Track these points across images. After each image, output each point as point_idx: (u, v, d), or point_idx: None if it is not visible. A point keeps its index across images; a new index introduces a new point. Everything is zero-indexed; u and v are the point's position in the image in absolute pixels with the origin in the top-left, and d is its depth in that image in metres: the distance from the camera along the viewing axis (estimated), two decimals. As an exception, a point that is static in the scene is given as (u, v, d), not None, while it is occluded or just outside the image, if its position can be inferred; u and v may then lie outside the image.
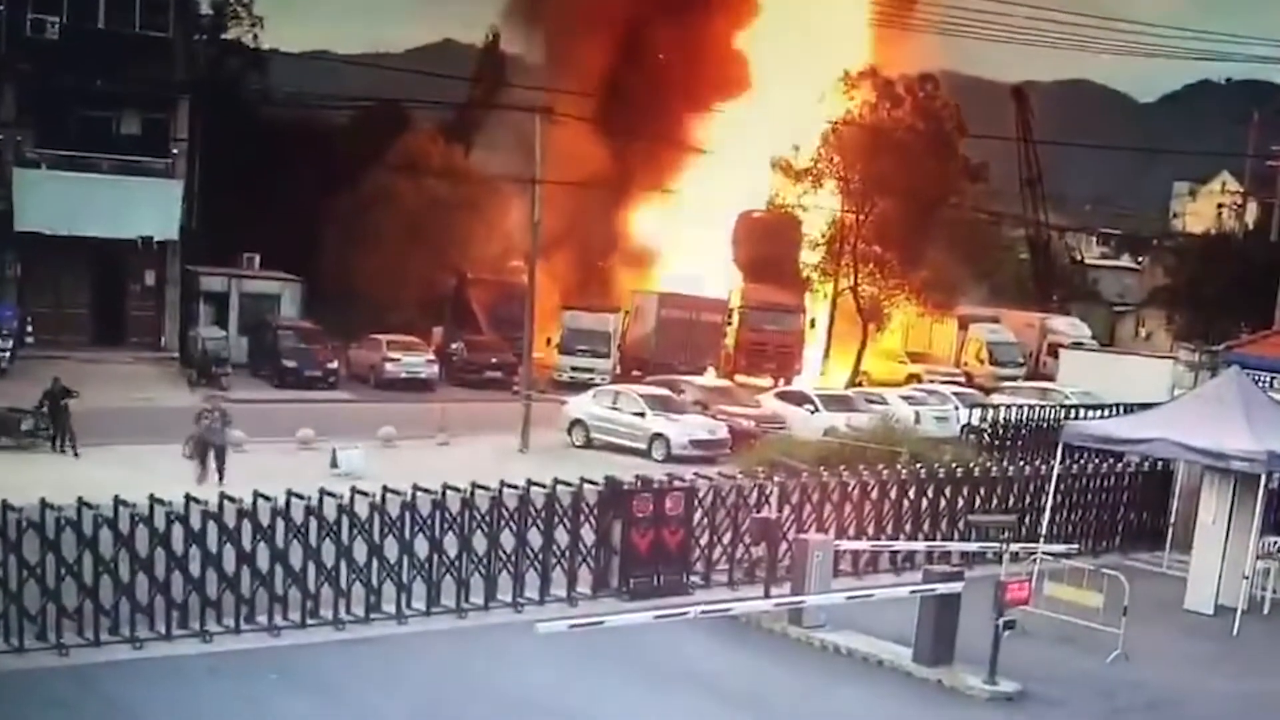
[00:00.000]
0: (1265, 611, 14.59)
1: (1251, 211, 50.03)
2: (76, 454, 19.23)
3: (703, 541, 14.03)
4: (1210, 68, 63.23)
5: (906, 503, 15.50)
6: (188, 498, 11.53)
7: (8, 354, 26.62)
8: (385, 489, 12.31)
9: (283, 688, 10.55)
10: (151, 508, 11.28)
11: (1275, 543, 15.03)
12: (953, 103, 36.71)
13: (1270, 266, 32.40)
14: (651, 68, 38.24)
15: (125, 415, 22.82)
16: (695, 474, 14.99)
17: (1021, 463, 18.20)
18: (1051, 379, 35.09)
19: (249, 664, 10.92)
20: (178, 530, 11.31)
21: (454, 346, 31.85)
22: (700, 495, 14.04)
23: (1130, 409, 20.55)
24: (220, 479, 16.91)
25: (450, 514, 12.49)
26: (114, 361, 28.78)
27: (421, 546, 12.38)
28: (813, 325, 36.59)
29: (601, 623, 10.58)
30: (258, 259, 33.57)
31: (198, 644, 11.20)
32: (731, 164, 36.56)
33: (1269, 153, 41.38)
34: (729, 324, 35.75)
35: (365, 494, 12.21)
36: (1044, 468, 16.89)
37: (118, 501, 11.25)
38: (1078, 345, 39.68)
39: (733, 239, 38.22)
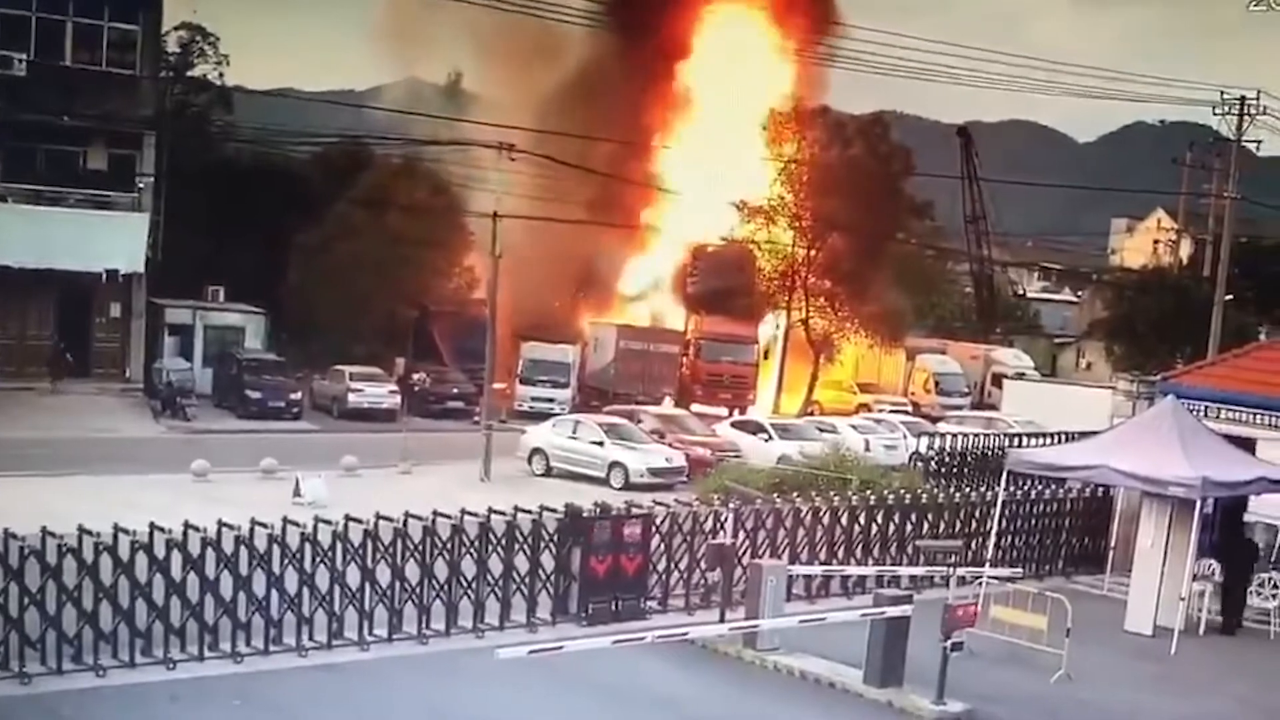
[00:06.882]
0: (1201, 632, 15.14)
1: (1186, 247, 51.89)
2: None
3: (660, 567, 14.28)
4: (1145, 109, 65.79)
5: (857, 529, 15.89)
6: (151, 526, 11.63)
7: None
8: (348, 517, 12.45)
9: (245, 714, 10.65)
10: (116, 536, 11.34)
11: (1210, 565, 15.55)
12: (899, 144, 37.82)
13: (1204, 300, 33.54)
14: (606, 106, 38.92)
15: (87, 445, 22.69)
16: (653, 501, 15.31)
17: (968, 489, 18.81)
18: (996, 408, 36.13)
19: (212, 691, 10.98)
20: (141, 558, 11.38)
21: (416, 377, 32.01)
22: (658, 522, 14.30)
23: (1072, 437, 21.38)
24: None
25: (412, 542, 12.66)
26: (79, 393, 28.57)
27: (384, 574, 12.52)
28: (766, 356, 37.22)
29: (561, 648, 10.74)
30: (222, 291, 33.61)
31: (161, 671, 11.23)
32: (684, 200, 37.21)
33: (1200, 191, 43.02)
34: (686, 355, 36.30)
35: (328, 522, 12.32)
36: (989, 494, 17.42)
37: (82, 530, 11.32)
38: (1021, 376, 40.87)
39: (687, 272, 38.85)
